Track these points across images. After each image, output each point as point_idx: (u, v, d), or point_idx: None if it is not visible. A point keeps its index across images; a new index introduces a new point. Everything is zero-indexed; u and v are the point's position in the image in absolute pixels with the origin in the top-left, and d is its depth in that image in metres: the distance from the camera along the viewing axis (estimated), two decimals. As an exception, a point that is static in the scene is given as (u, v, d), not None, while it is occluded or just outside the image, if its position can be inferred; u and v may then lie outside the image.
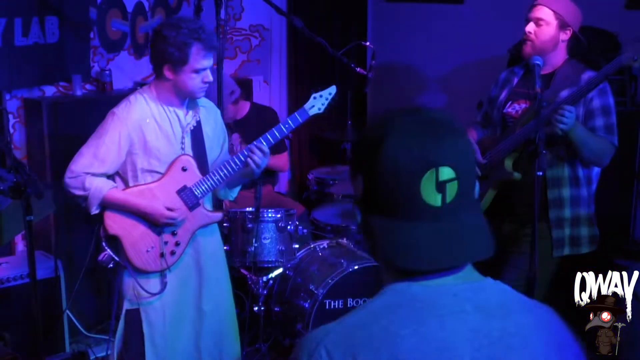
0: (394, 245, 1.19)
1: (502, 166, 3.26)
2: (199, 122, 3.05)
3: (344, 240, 4.04)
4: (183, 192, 3.00)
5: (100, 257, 2.94)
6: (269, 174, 4.57)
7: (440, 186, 1.16)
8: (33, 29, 3.84)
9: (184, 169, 2.99)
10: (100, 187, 2.89)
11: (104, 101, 4.22)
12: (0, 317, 3.48)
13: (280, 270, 3.93)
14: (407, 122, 1.21)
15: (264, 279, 3.89)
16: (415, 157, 1.16)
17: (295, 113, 3.16)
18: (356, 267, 3.60)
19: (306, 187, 4.88)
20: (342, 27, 5.69)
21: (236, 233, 3.85)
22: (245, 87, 5.02)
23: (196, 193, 3.02)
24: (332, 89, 3.24)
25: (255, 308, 3.86)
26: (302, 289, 3.81)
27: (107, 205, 2.92)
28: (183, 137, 3.00)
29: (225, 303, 3.26)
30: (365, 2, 5.87)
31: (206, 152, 3.08)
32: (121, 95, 4.26)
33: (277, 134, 3.10)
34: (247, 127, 4.40)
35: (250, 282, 3.88)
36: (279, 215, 3.85)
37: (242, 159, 3.03)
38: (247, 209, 3.85)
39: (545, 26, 3.16)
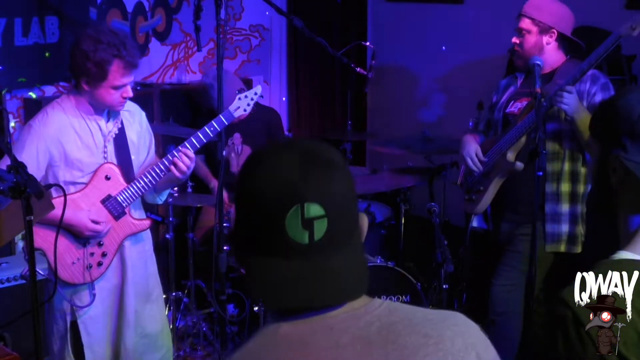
0: (262, 284, 1.14)
1: (504, 158, 3.27)
2: (121, 129, 2.97)
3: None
4: (108, 201, 2.92)
5: (23, 272, 2.83)
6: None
7: (307, 223, 1.09)
8: (33, 29, 3.84)
9: (107, 178, 2.90)
10: None
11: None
12: (0, 317, 3.48)
13: (280, 270, 3.93)
14: (279, 155, 1.14)
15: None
16: (280, 191, 1.10)
17: (220, 115, 3.08)
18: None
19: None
20: (342, 27, 5.69)
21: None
22: (246, 87, 5.02)
23: (121, 202, 2.93)
24: (258, 89, 3.21)
25: (256, 308, 3.86)
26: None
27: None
28: (105, 146, 2.91)
29: (154, 314, 3.16)
30: (365, 2, 5.87)
31: (131, 158, 3.00)
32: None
33: (202, 137, 3.01)
34: (249, 126, 4.40)
35: (250, 282, 3.88)
36: (278, 215, 3.84)
37: (167, 164, 2.94)
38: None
39: (527, 35, 3.26)
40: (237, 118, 3.16)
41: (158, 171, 2.95)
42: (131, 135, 3.01)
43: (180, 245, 4.12)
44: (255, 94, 3.18)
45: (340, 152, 1.19)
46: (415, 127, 5.20)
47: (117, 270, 3.02)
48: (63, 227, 2.79)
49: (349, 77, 5.59)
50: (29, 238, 2.25)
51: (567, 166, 3.22)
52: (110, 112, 2.93)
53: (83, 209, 2.86)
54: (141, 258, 3.11)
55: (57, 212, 2.73)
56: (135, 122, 3.05)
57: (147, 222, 3.08)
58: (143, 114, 3.14)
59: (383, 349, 1.11)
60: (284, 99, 5.59)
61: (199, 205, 4.09)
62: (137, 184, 2.95)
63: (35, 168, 2.77)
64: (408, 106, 5.76)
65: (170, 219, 3.94)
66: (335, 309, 1.14)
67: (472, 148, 3.42)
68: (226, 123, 3.08)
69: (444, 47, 5.38)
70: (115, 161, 2.93)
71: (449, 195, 4.37)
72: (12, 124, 4.03)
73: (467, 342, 1.18)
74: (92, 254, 2.91)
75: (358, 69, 3.72)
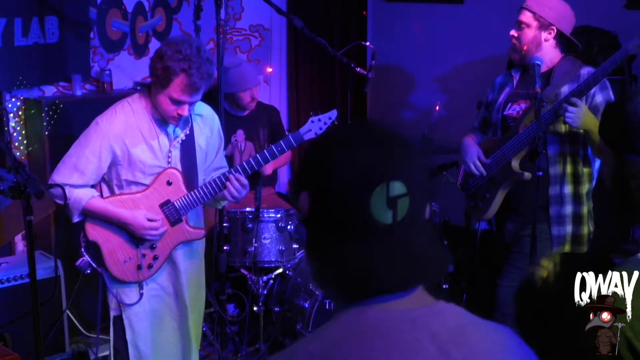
0: (343, 266, 1.12)
1: (510, 168, 3.27)
2: (190, 135, 2.97)
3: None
4: (166, 206, 2.95)
5: (78, 262, 2.93)
6: (270, 176, 4.58)
7: (391, 202, 1.09)
8: (33, 29, 3.84)
9: (169, 183, 2.93)
10: (79, 198, 2.85)
11: (104, 101, 4.21)
12: (0, 317, 3.48)
13: (280, 270, 3.93)
14: (356, 135, 1.14)
15: (264, 279, 3.89)
16: (364, 170, 1.09)
17: (289, 136, 3.08)
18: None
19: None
20: (342, 27, 5.69)
21: (236, 233, 3.85)
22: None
23: (179, 208, 2.95)
24: (333, 114, 3.18)
25: (255, 308, 3.86)
26: (302, 289, 3.81)
27: (88, 214, 2.89)
28: (170, 151, 2.92)
29: (196, 329, 3.23)
30: (365, 2, 5.87)
31: (197, 166, 3.00)
32: (121, 95, 4.29)
33: (268, 156, 3.02)
34: (253, 123, 4.41)
35: (250, 282, 3.88)
36: (279, 215, 3.85)
37: (219, 184, 2.96)
38: (247, 209, 3.85)
39: (526, 28, 3.23)
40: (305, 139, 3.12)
41: (215, 187, 2.96)
42: (200, 141, 3.01)
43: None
44: (330, 118, 3.15)
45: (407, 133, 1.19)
46: (415, 127, 5.21)
47: (170, 277, 3.06)
48: (119, 225, 2.89)
49: (349, 77, 5.60)
50: (29, 238, 2.25)
51: (569, 168, 3.23)
52: None
53: (141, 209, 2.89)
54: (194, 270, 3.14)
55: (115, 209, 2.87)
56: (207, 127, 3.04)
57: (202, 232, 3.08)
58: (216, 117, 3.13)
59: (458, 349, 1.12)
60: (284, 99, 5.59)
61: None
62: (197, 194, 2.95)
63: (97, 165, 2.84)
64: (408, 106, 5.76)
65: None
66: (409, 294, 1.13)
67: (474, 152, 3.42)
68: (294, 145, 3.08)
69: (443, 47, 5.38)
70: (179, 166, 2.94)
71: (449, 195, 4.37)
72: (12, 123, 4.03)
73: (524, 353, 1.20)
74: (144, 255, 2.94)
75: (358, 69, 3.72)
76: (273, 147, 3.04)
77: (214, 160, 3.14)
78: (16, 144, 4.05)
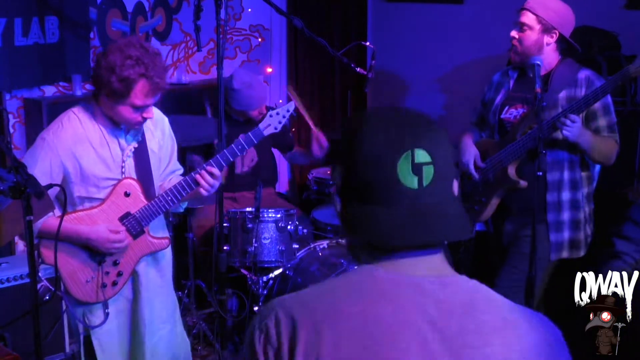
0: (372, 227, 1.20)
1: (507, 175, 3.27)
2: (142, 142, 2.81)
3: (344, 241, 4.04)
4: (126, 219, 2.77)
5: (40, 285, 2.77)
6: (270, 176, 4.58)
7: (417, 168, 1.18)
8: (33, 29, 3.84)
9: (126, 194, 2.75)
10: (35, 224, 2.59)
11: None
12: (0, 317, 3.48)
13: (280, 270, 3.93)
14: (384, 114, 1.25)
15: (264, 279, 3.89)
16: (391, 140, 1.19)
17: (250, 133, 2.96)
18: (356, 267, 3.60)
19: (306, 187, 4.89)
20: (342, 27, 5.69)
21: (236, 233, 3.85)
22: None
23: (140, 220, 2.78)
24: (290, 106, 3.08)
25: (256, 308, 3.86)
26: (302, 289, 3.80)
27: (44, 236, 2.69)
28: (124, 161, 2.75)
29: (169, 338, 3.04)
30: (365, 2, 5.87)
31: (152, 173, 2.84)
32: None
33: (229, 155, 2.89)
34: (255, 127, 4.40)
35: (250, 282, 3.88)
36: (279, 215, 3.85)
37: (190, 182, 2.80)
38: (247, 209, 3.85)
39: (529, 31, 3.20)
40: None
41: (180, 190, 2.79)
42: (152, 146, 2.86)
43: (180, 245, 4.12)
44: (288, 111, 3.06)
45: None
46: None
47: (129, 285, 2.90)
48: (79, 244, 2.71)
49: (349, 77, 5.60)
50: (29, 238, 2.25)
51: (566, 175, 3.23)
52: None
53: (100, 224, 2.72)
54: (161, 280, 2.98)
55: (73, 226, 2.66)
56: (158, 130, 2.90)
57: (166, 242, 2.92)
58: (166, 120, 2.97)
59: (461, 318, 1.17)
60: (284, 99, 5.59)
61: (199, 206, 4.08)
62: (158, 202, 2.79)
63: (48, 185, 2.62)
64: (408, 106, 5.76)
65: (170, 218, 3.94)
66: (434, 253, 1.21)
67: (471, 154, 3.43)
68: (255, 142, 2.97)
69: (443, 47, 5.38)
70: (134, 176, 2.78)
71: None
72: (12, 124, 4.03)
73: (543, 340, 1.20)
74: (107, 273, 2.78)
75: (358, 69, 3.71)
76: (233, 145, 2.91)
77: (169, 164, 2.99)
78: (16, 144, 4.05)
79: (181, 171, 3.09)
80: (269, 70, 5.35)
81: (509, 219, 3.40)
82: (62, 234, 2.54)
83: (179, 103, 4.64)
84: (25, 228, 2.24)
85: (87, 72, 4.26)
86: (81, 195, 2.72)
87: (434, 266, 1.21)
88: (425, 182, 1.18)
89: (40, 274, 2.81)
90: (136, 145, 2.79)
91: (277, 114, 3.04)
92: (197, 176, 2.79)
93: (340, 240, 4.05)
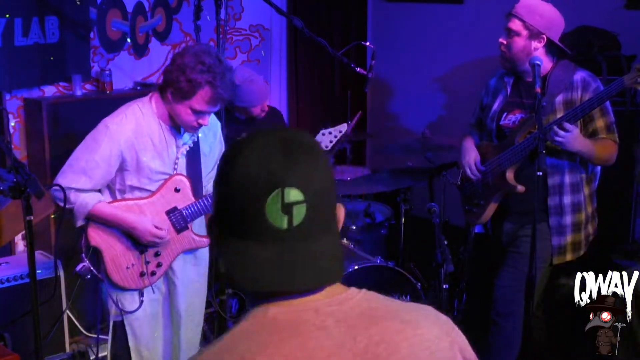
0: (240, 267, 1.15)
1: (505, 179, 3.28)
2: (196, 142, 2.96)
3: (344, 240, 4.04)
4: (172, 213, 2.90)
5: (77, 268, 2.86)
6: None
7: (286, 208, 1.11)
8: (33, 29, 3.84)
9: (176, 190, 2.89)
10: (85, 202, 2.80)
11: (104, 101, 4.22)
12: (0, 317, 3.48)
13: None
14: (262, 141, 1.16)
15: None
16: (261, 176, 1.12)
17: None
18: (356, 267, 3.60)
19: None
20: (342, 27, 5.69)
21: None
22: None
23: (186, 216, 2.91)
24: (343, 127, 3.04)
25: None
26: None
27: (93, 218, 2.83)
28: (177, 158, 2.90)
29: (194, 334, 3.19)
30: (365, 2, 5.87)
31: (202, 173, 2.98)
32: (121, 96, 4.31)
33: None
34: (256, 127, 4.41)
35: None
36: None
37: None
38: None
39: (516, 37, 3.20)
40: None
41: None
42: (204, 148, 2.99)
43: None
44: (340, 132, 3.03)
45: (317, 141, 1.24)
46: (415, 127, 5.21)
47: (164, 280, 3.02)
48: (124, 231, 2.83)
49: (349, 77, 5.60)
50: (29, 238, 2.25)
51: (567, 178, 3.23)
52: None
53: (147, 215, 2.84)
54: (197, 278, 3.10)
55: (122, 213, 2.81)
56: (211, 133, 3.03)
57: (207, 240, 3.00)
58: (219, 125, 3.11)
59: (366, 332, 1.15)
60: (284, 99, 5.59)
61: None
62: (205, 202, 2.91)
63: (106, 171, 2.79)
64: (408, 106, 5.76)
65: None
66: (315, 293, 1.17)
67: (472, 156, 3.43)
68: None
69: (443, 47, 5.38)
70: (185, 173, 2.91)
71: (449, 195, 4.37)
72: (12, 123, 4.03)
73: (443, 330, 1.22)
74: (147, 262, 2.89)
75: (358, 69, 3.71)
76: None
77: (215, 167, 3.08)
78: (16, 144, 4.05)
79: None
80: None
81: (508, 219, 3.40)
82: (110, 219, 2.79)
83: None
84: (26, 228, 2.24)
85: (87, 72, 4.26)
86: (133, 184, 2.85)
87: (325, 292, 1.18)
88: (295, 222, 1.12)
89: (82, 255, 2.90)
90: (191, 145, 2.92)
91: (330, 133, 3.02)
92: None
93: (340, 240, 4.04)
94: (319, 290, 1.17)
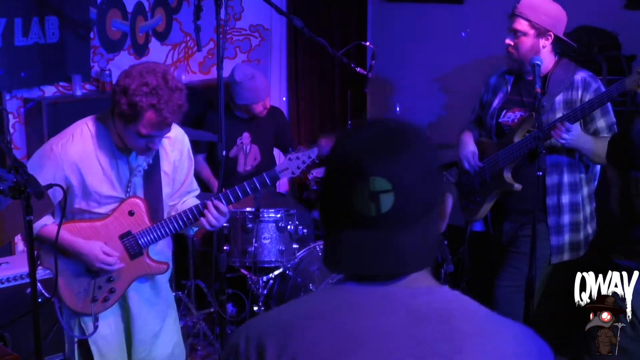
0: (331, 253, 1.20)
1: (502, 177, 3.28)
2: (155, 163, 2.74)
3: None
4: (126, 238, 2.72)
5: (29, 290, 2.74)
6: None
7: (374, 196, 1.15)
8: (33, 29, 3.84)
9: (131, 213, 2.70)
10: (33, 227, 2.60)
11: (104, 101, 4.21)
12: (0, 317, 3.48)
13: (280, 270, 3.93)
14: (356, 134, 1.21)
15: (264, 279, 3.89)
16: (352, 165, 1.16)
17: (265, 174, 2.83)
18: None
19: (306, 187, 4.89)
20: (342, 27, 5.69)
21: (236, 233, 3.85)
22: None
23: (140, 242, 2.73)
24: (313, 152, 2.91)
25: (255, 308, 3.86)
26: (302, 289, 3.81)
27: (41, 240, 2.66)
28: (130, 181, 2.70)
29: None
30: (365, 2, 5.87)
31: (161, 195, 2.77)
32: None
33: (239, 192, 2.78)
34: (258, 126, 4.41)
35: (250, 282, 3.88)
36: (279, 215, 3.85)
37: (196, 214, 2.73)
38: (247, 209, 3.85)
39: (523, 37, 3.19)
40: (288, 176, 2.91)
41: (185, 219, 2.73)
42: (165, 168, 2.78)
43: (180, 245, 4.12)
44: (309, 157, 2.89)
45: (425, 134, 1.25)
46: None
47: (120, 304, 2.85)
48: (74, 254, 2.66)
49: (349, 77, 5.60)
50: (29, 238, 2.25)
51: (566, 178, 3.23)
52: None
53: (98, 239, 2.68)
54: (151, 291, 2.91)
55: (71, 237, 2.63)
56: (175, 150, 2.81)
57: (164, 267, 2.84)
58: (186, 139, 2.87)
59: (436, 326, 1.15)
60: (284, 98, 5.59)
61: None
62: (160, 227, 2.73)
63: (50, 195, 2.57)
64: (408, 106, 5.76)
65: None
66: (396, 282, 1.19)
67: (470, 151, 3.44)
68: (269, 184, 2.84)
69: (443, 47, 5.38)
70: (142, 195, 2.73)
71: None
72: (12, 124, 4.03)
73: (522, 350, 1.18)
74: (99, 287, 2.73)
75: (358, 69, 3.72)
76: (245, 184, 2.82)
77: (184, 184, 2.91)
78: (16, 144, 4.05)
79: (197, 192, 3.01)
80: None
81: (508, 219, 3.40)
82: (60, 242, 2.53)
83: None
84: (25, 228, 2.24)
85: (87, 72, 4.26)
86: (81, 207, 2.68)
87: (408, 281, 1.19)
88: (383, 209, 1.15)
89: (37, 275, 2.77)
90: (145, 168, 2.72)
91: (298, 158, 2.89)
92: (205, 209, 2.72)
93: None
94: (401, 278, 1.19)
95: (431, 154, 1.21)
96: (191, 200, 2.92)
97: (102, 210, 2.70)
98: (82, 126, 2.67)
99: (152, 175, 2.74)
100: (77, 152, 2.62)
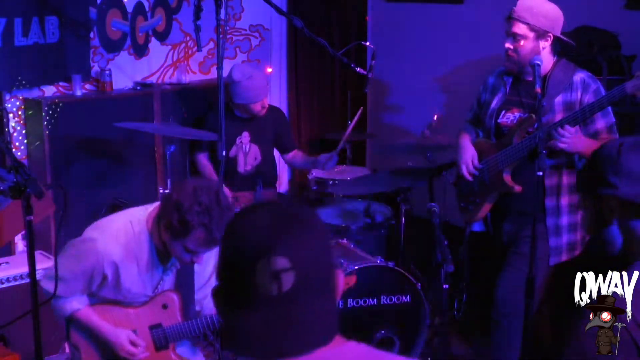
0: (233, 334, 1.20)
1: (502, 179, 3.28)
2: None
3: (344, 240, 4.04)
4: (155, 329, 2.75)
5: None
6: (272, 176, 4.58)
7: (275, 275, 1.17)
8: (33, 29, 3.84)
9: (164, 306, 2.75)
10: (63, 307, 2.71)
11: (104, 101, 4.23)
12: (0, 317, 3.48)
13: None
14: (255, 213, 1.24)
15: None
16: (251, 246, 1.19)
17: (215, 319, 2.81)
18: (356, 267, 3.60)
19: (306, 187, 4.90)
20: (342, 27, 5.69)
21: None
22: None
23: (168, 336, 2.76)
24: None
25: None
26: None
27: (74, 323, 2.73)
28: (162, 279, 2.74)
29: None
30: (365, 2, 5.87)
31: (194, 292, 2.81)
32: (121, 96, 4.31)
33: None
34: (258, 125, 4.41)
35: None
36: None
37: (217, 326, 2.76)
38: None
39: (523, 40, 3.19)
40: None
41: (212, 326, 2.76)
42: (198, 267, 2.80)
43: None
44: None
45: (313, 211, 1.32)
46: (415, 127, 5.20)
47: None
48: (101, 338, 2.70)
49: (349, 77, 5.60)
50: (29, 238, 2.25)
51: (565, 179, 3.23)
52: None
53: (129, 326, 2.72)
54: None
55: (99, 321, 2.67)
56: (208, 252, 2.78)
57: None
58: None
59: None
60: (284, 99, 5.59)
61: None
62: (190, 327, 2.75)
63: (85, 286, 2.66)
64: (408, 106, 5.76)
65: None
66: (305, 356, 1.20)
67: (469, 154, 3.43)
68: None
69: (443, 47, 5.38)
70: (174, 288, 2.78)
71: (449, 195, 4.36)
72: (12, 124, 4.03)
73: None
74: None
75: (358, 69, 3.71)
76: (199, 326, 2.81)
77: (210, 279, 2.92)
78: (16, 143, 4.05)
79: None
80: (269, 70, 5.35)
81: (508, 219, 3.40)
82: (87, 325, 2.66)
83: (178, 103, 4.63)
84: (26, 228, 2.24)
85: (87, 72, 4.26)
86: (108, 297, 2.71)
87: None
88: (285, 288, 1.17)
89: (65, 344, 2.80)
90: (179, 266, 2.76)
91: None
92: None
93: (340, 240, 4.05)
94: (308, 353, 1.20)
95: (326, 233, 1.26)
96: None
97: (128, 302, 2.73)
98: (127, 223, 2.67)
99: (186, 273, 2.78)
100: (119, 252, 2.63)
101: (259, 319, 1.18)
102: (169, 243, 2.58)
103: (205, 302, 2.91)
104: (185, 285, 2.79)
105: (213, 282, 2.91)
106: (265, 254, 1.17)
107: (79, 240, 2.69)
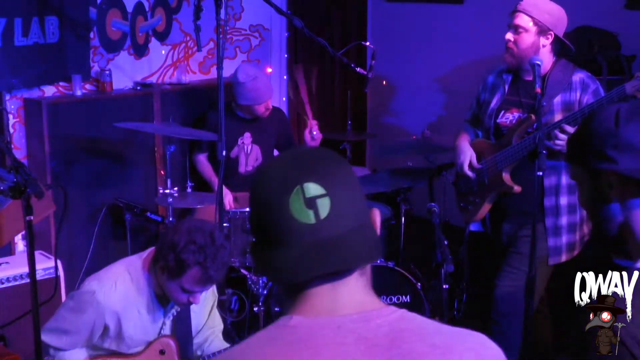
0: (277, 267, 1.17)
1: (501, 179, 3.28)
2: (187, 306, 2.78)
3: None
4: None
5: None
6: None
7: (310, 202, 1.14)
8: (33, 29, 3.84)
9: (162, 352, 2.75)
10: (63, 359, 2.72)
11: (104, 101, 4.23)
12: (0, 317, 3.48)
13: (280, 270, 3.92)
14: (280, 158, 1.24)
15: (264, 278, 3.89)
16: (280, 181, 1.16)
17: None
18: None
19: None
20: (342, 27, 5.69)
21: (236, 233, 3.85)
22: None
23: None
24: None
25: (255, 308, 3.86)
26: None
27: None
28: (164, 323, 2.76)
29: None
30: (365, 2, 5.87)
31: (192, 335, 2.84)
32: (121, 96, 4.31)
33: None
34: (260, 126, 4.41)
35: (250, 282, 3.88)
36: (279, 215, 3.84)
37: None
38: (247, 209, 3.85)
39: (524, 33, 3.18)
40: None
41: None
42: (195, 309, 2.83)
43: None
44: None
45: (338, 155, 1.27)
46: (415, 127, 5.21)
47: None
48: None
49: (349, 77, 5.60)
50: (29, 238, 2.25)
51: (564, 180, 3.23)
52: None
53: None
54: None
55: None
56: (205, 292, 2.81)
57: None
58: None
59: (387, 352, 1.13)
60: (284, 99, 5.59)
61: (199, 206, 4.08)
62: None
63: (87, 337, 2.67)
64: (408, 106, 5.76)
65: (171, 219, 3.94)
66: (345, 277, 1.17)
67: (467, 156, 3.43)
68: None
69: (443, 47, 5.38)
70: (173, 334, 2.79)
71: (449, 195, 4.37)
72: (12, 124, 4.03)
73: (478, 359, 1.19)
74: None
75: (358, 69, 3.71)
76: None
77: (208, 319, 2.95)
78: (16, 144, 4.05)
79: (220, 327, 3.03)
80: (269, 70, 5.35)
81: (507, 219, 3.40)
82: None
83: (178, 103, 4.63)
84: (26, 228, 2.24)
85: (87, 72, 4.26)
86: (110, 347, 2.72)
87: (354, 299, 1.18)
88: (322, 215, 1.15)
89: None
90: (178, 309, 2.78)
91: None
92: None
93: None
94: (349, 273, 1.18)
95: (353, 174, 1.24)
96: (218, 342, 2.94)
97: (131, 351, 2.74)
98: (124, 273, 2.69)
99: (184, 317, 2.80)
100: (119, 301, 2.64)
101: (299, 250, 1.15)
102: (165, 285, 2.60)
103: (206, 346, 2.93)
104: (183, 329, 2.80)
105: (211, 324, 2.96)
106: (296, 183, 1.15)
107: (78, 292, 2.71)
